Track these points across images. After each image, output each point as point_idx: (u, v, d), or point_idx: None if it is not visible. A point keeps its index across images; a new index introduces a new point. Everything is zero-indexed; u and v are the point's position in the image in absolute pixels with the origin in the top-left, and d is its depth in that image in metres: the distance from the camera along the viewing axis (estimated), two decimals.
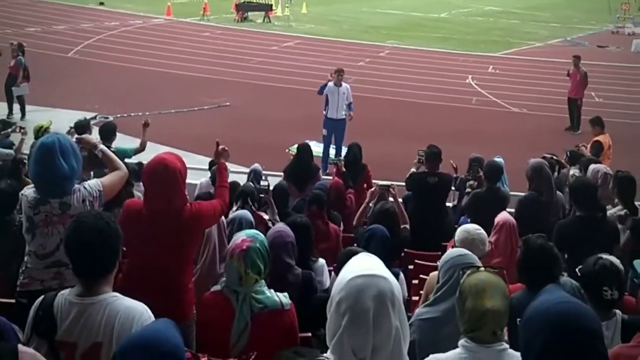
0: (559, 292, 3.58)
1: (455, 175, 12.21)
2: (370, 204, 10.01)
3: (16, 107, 22.04)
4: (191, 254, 6.30)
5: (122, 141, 12.74)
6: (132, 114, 22.34)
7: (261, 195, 9.62)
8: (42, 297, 4.28)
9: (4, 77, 22.18)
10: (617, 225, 8.62)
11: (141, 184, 6.61)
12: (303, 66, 30.43)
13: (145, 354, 3.33)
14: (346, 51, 36.03)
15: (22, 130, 13.08)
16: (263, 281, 5.29)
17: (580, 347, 3.15)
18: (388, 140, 20.46)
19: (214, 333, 5.25)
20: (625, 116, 24.39)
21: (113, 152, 6.96)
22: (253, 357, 4.84)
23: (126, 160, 10.16)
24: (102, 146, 6.46)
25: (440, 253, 7.90)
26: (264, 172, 11.47)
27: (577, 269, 5.76)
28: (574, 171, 11.53)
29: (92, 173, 7.67)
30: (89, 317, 4.10)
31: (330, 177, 12.85)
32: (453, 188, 12.17)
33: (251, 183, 10.17)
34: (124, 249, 5.08)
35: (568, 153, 12.73)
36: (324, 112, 18.49)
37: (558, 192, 10.33)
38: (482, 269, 4.20)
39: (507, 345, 3.98)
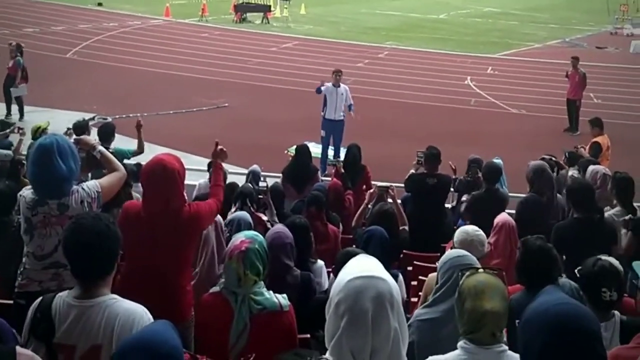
0: (557, 294, 3.58)
1: (454, 177, 12.21)
2: (369, 205, 10.00)
3: (14, 107, 22.03)
4: (189, 255, 6.29)
5: (121, 142, 12.72)
6: (131, 115, 22.26)
7: (260, 197, 9.62)
8: (40, 299, 4.26)
9: (2, 78, 22.17)
10: (615, 227, 8.61)
11: (140, 185, 6.60)
12: (302, 67, 30.43)
13: (144, 356, 3.32)
14: (345, 52, 36.02)
15: (20, 131, 13.07)
16: (262, 282, 5.29)
17: (579, 348, 3.14)
18: (387, 142, 20.45)
19: (213, 334, 5.24)
20: (624, 117, 24.39)
21: (111, 153, 6.95)
22: (252, 358, 4.83)
23: (124, 161, 10.16)
24: (100, 147, 6.45)
25: (439, 254, 7.90)
26: (262, 173, 11.46)
27: (576, 270, 5.76)
28: (572, 172, 11.53)
29: (89, 174, 7.65)
30: (88, 319, 4.09)
31: (329, 179, 12.84)
32: (452, 189, 12.17)
33: (250, 184, 10.17)
34: (122, 250, 5.06)
35: (567, 154, 12.72)
36: (322, 114, 18.45)
37: (557, 194, 10.34)
38: (481, 270, 4.20)
39: (506, 347, 3.98)
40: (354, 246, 7.88)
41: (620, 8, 51.25)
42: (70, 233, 4.25)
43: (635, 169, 11.62)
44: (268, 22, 45.89)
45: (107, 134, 12.04)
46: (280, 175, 12.92)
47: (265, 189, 10.01)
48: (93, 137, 10.39)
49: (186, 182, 6.39)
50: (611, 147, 15.22)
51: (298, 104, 23.36)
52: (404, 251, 9.52)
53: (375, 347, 3.20)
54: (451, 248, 6.70)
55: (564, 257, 7.26)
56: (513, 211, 9.93)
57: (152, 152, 7.44)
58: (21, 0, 47.11)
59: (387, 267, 3.70)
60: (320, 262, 7.66)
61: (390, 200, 9.98)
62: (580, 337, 3.15)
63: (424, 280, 7.22)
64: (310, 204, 9.44)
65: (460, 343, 4.04)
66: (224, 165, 7.11)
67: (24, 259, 5.90)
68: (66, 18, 42.71)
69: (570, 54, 26.34)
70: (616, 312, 5.51)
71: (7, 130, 13.61)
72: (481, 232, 6.95)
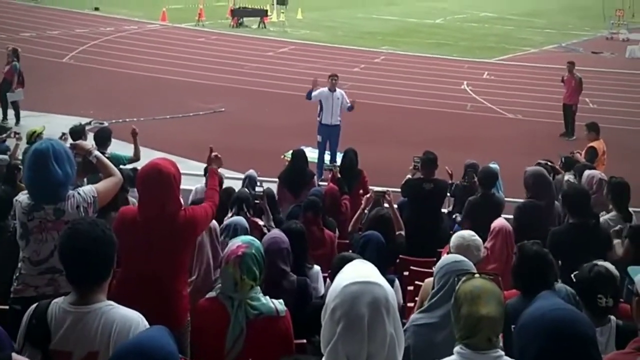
0: (553, 299, 3.59)
1: (450, 182, 12.22)
2: (366, 211, 10.01)
3: (11, 112, 22.00)
4: (185, 260, 6.29)
5: (117, 147, 12.71)
6: (127, 120, 22.31)
7: (256, 202, 9.62)
8: (36, 305, 4.25)
9: None
10: (610, 232, 8.61)
11: (136, 189, 6.60)
12: (298, 72, 30.42)
13: None
14: (341, 57, 36.04)
15: (17, 136, 13.07)
16: (258, 287, 5.28)
17: (575, 353, 3.15)
18: (383, 146, 20.45)
19: (209, 339, 5.24)
20: (620, 122, 24.41)
21: (107, 158, 6.94)
22: None
23: (120, 166, 10.15)
24: (96, 152, 6.44)
25: (435, 259, 7.90)
26: (258, 178, 11.46)
27: (572, 275, 5.76)
28: (568, 177, 11.54)
29: (85, 180, 7.65)
30: (85, 325, 4.08)
31: (326, 183, 12.84)
32: (448, 194, 12.18)
33: (246, 189, 10.17)
34: (118, 256, 5.06)
35: (563, 159, 12.75)
36: (318, 119, 18.40)
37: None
38: (477, 275, 4.20)
39: (503, 352, 3.98)
40: (350, 251, 7.89)
41: (616, 13, 51.30)
42: (66, 239, 4.24)
43: (631, 174, 11.64)
44: (265, 27, 45.92)
45: (103, 138, 12.03)
46: (277, 180, 12.92)
47: (261, 193, 10.01)
48: (90, 141, 10.39)
49: (183, 186, 6.40)
50: (607, 152, 15.24)
51: (295, 108, 23.33)
52: (401, 256, 9.53)
53: (371, 352, 3.20)
54: (447, 253, 6.71)
55: (560, 262, 7.27)
56: (510, 216, 9.93)
57: (148, 156, 7.44)
58: (18, 4, 47.12)
59: (383, 272, 3.70)
60: (317, 267, 7.66)
61: (386, 205, 9.98)
62: (575, 343, 3.16)
63: (421, 285, 7.22)
64: (307, 209, 9.44)
65: (457, 348, 4.04)
66: (220, 170, 7.11)
67: (19, 264, 5.89)
68: (63, 23, 42.73)
69: (566, 59, 26.33)
70: (612, 317, 5.52)
71: (4, 135, 13.61)
72: (477, 237, 6.97)
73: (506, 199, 11.50)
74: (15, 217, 6.02)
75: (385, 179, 13.37)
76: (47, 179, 5.71)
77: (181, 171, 6.24)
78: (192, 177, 12.20)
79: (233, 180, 12.52)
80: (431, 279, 5.53)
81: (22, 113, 22.00)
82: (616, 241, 8.46)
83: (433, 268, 5.40)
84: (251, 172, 11.38)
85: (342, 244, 9.89)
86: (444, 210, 12.30)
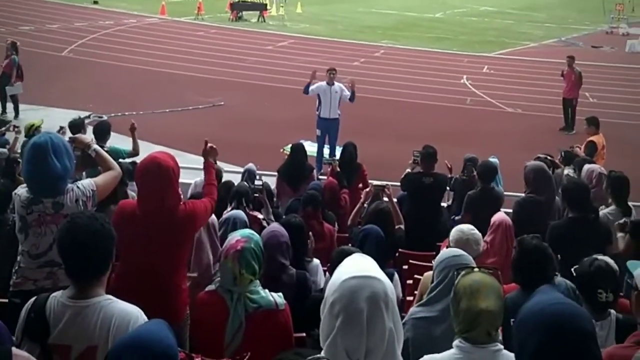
0: (553, 293, 3.57)
1: (450, 176, 12.22)
2: (365, 205, 10.00)
3: (10, 106, 21.99)
4: (185, 254, 6.29)
5: (116, 141, 12.69)
6: (127, 113, 22.31)
7: (255, 195, 9.62)
8: (34, 299, 4.25)
9: None
10: (609, 227, 8.61)
11: (135, 183, 6.60)
12: (298, 66, 30.36)
13: (139, 355, 3.32)
14: (341, 51, 36.01)
15: (16, 129, 13.06)
16: (258, 281, 5.28)
17: (574, 348, 3.14)
18: (383, 140, 20.45)
19: (208, 333, 5.24)
20: (620, 116, 24.40)
21: (106, 151, 6.93)
22: (247, 357, 4.82)
23: (119, 160, 10.14)
24: (95, 146, 6.44)
25: (434, 253, 7.90)
26: (258, 172, 11.46)
27: (572, 269, 5.76)
28: (568, 171, 11.53)
29: (84, 173, 7.64)
30: (84, 319, 4.08)
31: (325, 177, 12.84)
32: (448, 188, 12.17)
33: (245, 183, 10.16)
34: (117, 250, 5.05)
35: (562, 153, 12.74)
36: (317, 112, 18.37)
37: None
38: (477, 269, 4.20)
39: (502, 346, 3.98)
40: (349, 245, 7.88)
41: (615, 7, 51.27)
42: (65, 233, 4.24)
43: (631, 168, 11.65)
44: (264, 21, 45.90)
45: (102, 132, 12.01)
46: (276, 173, 12.92)
47: (261, 187, 10.01)
48: (89, 135, 10.38)
49: (182, 180, 6.40)
50: (606, 146, 15.23)
51: (294, 102, 23.29)
52: (400, 250, 9.53)
53: (370, 346, 3.20)
54: (447, 247, 6.71)
55: (559, 256, 7.26)
56: (509, 210, 9.93)
57: (147, 150, 7.43)
58: None
59: (382, 266, 3.70)
60: (316, 261, 7.66)
61: (386, 199, 9.97)
62: (575, 337, 3.15)
63: (420, 279, 7.22)
64: (306, 204, 9.44)
65: (456, 342, 4.04)
66: (219, 163, 7.11)
67: (18, 258, 5.88)
68: (62, 16, 42.68)
69: (566, 53, 26.30)
70: (612, 311, 5.52)
71: (3, 129, 13.59)
72: (476, 231, 6.97)
73: (505, 193, 11.50)
74: (14, 211, 6.01)
75: (385, 173, 13.37)
76: (46, 172, 5.71)
77: (180, 165, 6.23)
78: (191, 171, 12.18)
79: (232, 173, 12.50)
80: (430, 272, 5.53)
81: (21, 106, 21.98)
82: (619, 235, 8.45)
83: (432, 262, 5.40)
84: (250, 165, 11.38)
85: (342, 238, 9.89)
86: (444, 204, 12.31)
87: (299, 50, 36.25)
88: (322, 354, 3.26)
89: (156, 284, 5.78)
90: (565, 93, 23.61)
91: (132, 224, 5.87)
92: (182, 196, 6.34)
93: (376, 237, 7.47)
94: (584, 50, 38.98)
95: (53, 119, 16.03)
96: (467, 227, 7.01)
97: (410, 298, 7.43)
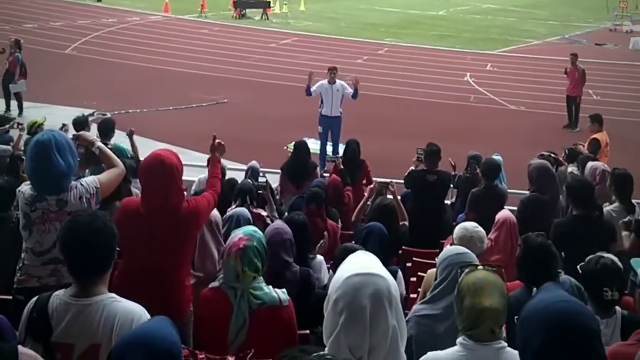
0: (557, 291, 3.57)
1: (453, 173, 12.22)
2: (368, 202, 10.01)
3: (13, 103, 22.01)
4: (188, 251, 6.28)
5: (121, 138, 12.71)
6: (130, 111, 22.35)
7: (259, 192, 9.62)
8: (36, 298, 4.26)
9: (1, 74, 22.16)
10: (613, 224, 8.60)
11: (138, 180, 6.60)
12: (301, 63, 30.33)
13: (143, 352, 3.32)
14: (344, 49, 35.99)
15: (19, 127, 13.09)
16: (261, 277, 5.29)
17: (578, 346, 3.14)
18: (386, 138, 20.44)
19: (212, 330, 5.25)
20: (623, 114, 24.35)
21: (110, 149, 6.94)
22: (250, 354, 4.82)
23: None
24: (99, 143, 6.44)
25: (438, 250, 7.90)
26: (261, 169, 11.47)
27: (578, 267, 5.76)
28: (571, 169, 11.53)
29: (87, 171, 7.65)
30: (87, 318, 4.09)
31: (328, 175, 12.85)
32: (451, 186, 12.18)
33: (249, 180, 10.17)
34: (120, 247, 5.05)
35: (566, 151, 12.74)
36: (319, 110, 18.38)
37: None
38: (481, 267, 4.20)
39: (505, 344, 3.98)
40: (353, 242, 7.89)
41: (619, 5, 51.23)
42: (67, 231, 4.25)
43: (634, 165, 11.61)
44: (267, 18, 45.83)
45: (107, 129, 12.06)
46: (279, 171, 12.94)
47: (264, 184, 10.02)
48: (93, 133, 10.39)
49: (185, 177, 6.39)
50: (610, 144, 15.22)
51: (297, 100, 23.25)
52: (404, 247, 9.53)
53: (373, 344, 3.20)
54: (450, 244, 6.71)
55: (563, 254, 7.26)
56: (513, 207, 9.93)
57: (151, 148, 7.43)
58: None
59: (386, 264, 3.70)
60: (320, 258, 7.68)
61: (390, 196, 9.97)
62: (579, 335, 3.15)
63: (423, 277, 7.22)
64: (310, 201, 9.44)
65: (459, 339, 4.04)
66: (222, 160, 7.10)
67: (22, 255, 5.89)
68: (65, 14, 42.67)
69: (569, 51, 26.31)
70: (617, 308, 5.53)
71: (7, 126, 13.62)
72: (480, 228, 6.97)
73: (509, 190, 11.50)
74: (18, 208, 6.02)
75: (388, 171, 13.38)
76: (50, 169, 5.71)
77: (184, 162, 6.22)
78: (194, 168, 12.21)
79: (235, 171, 12.53)
80: (434, 269, 5.53)
81: (25, 104, 22.00)
82: (624, 233, 8.45)
83: (436, 259, 5.40)
84: (253, 163, 11.39)
85: (345, 235, 9.90)
86: (447, 202, 12.32)
87: (302, 47, 36.23)
88: (326, 350, 3.26)
89: (159, 281, 5.78)
90: (568, 90, 23.58)
91: (136, 221, 5.87)
92: (185, 193, 6.34)
93: (379, 234, 7.46)
94: (588, 47, 38.92)
95: (56, 117, 16.02)
96: (471, 225, 7.01)
97: (414, 295, 7.44)
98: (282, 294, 5.28)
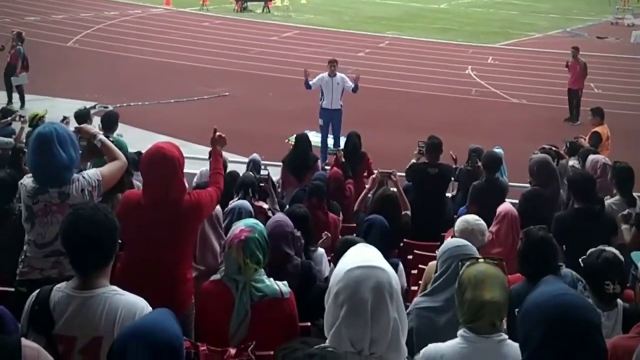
0: (557, 284, 3.58)
1: (454, 166, 12.22)
2: (370, 194, 10.01)
3: (15, 96, 22.03)
4: (190, 244, 6.28)
5: (122, 131, 12.73)
6: (132, 104, 22.35)
7: (261, 185, 9.62)
8: (37, 291, 4.26)
9: (3, 67, 22.17)
10: (615, 218, 8.60)
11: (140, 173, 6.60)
12: (302, 56, 30.35)
13: (144, 344, 3.33)
14: (346, 42, 35.95)
15: (22, 119, 13.11)
16: (262, 270, 5.30)
17: (579, 339, 3.15)
18: (387, 131, 20.44)
19: (214, 322, 5.26)
20: (625, 107, 24.35)
21: (112, 142, 6.94)
22: (252, 346, 4.84)
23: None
24: (101, 136, 6.44)
25: (439, 243, 7.91)
26: (263, 162, 11.47)
27: (580, 260, 5.77)
28: (573, 162, 11.54)
29: (89, 163, 7.66)
30: (89, 310, 4.10)
31: (329, 168, 12.85)
32: (453, 179, 12.18)
33: (251, 173, 10.16)
34: (122, 240, 5.06)
35: (567, 144, 12.73)
36: (320, 103, 18.38)
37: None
38: (482, 260, 4.21)
39: (506, 336, 3.99)
40: (354, 234, 7.89)
41: None
42: (68, 224, 4.25)
43: (636, 159, 11.61)
44: (269, 11, 45.81)
45: (110, 122, 12.07)
46: (281, 164, 12.94)
47: (266, 176, 10.02)
48: (95, 125, 10.39)
49: (187, 170, 6.39)
50: (611, 137, 15.20)
51: (299, 93, 23.23)
52: (405, 240, 9.53)
53: (374, 336, 3.21)
54: (452, 237, 6.71)
55: (564, 247, 7.27)
56: (515, 200, 9.93)
57: (152, 140, 7.43)
58: None
59: (387, 256, 3.70)
60: (321, 250, 7.69)
61: (393, 188, 9.96)
62: (580, 328, 3.16)
63: (424, 269, 7.23)
64: (311, 194, 9.45)
65: (460, 331, 4.06)
66: (224, 153, 7.10)
67: (25, 247, 5.90)
68: (67, 7, 42.62)
69: (571, 44, 26.29)
70: (619, 301, 5.54)
71: (9, 118, 13.63)
72: (482, 221, 6.97)
73: (510, 183, 11.50)
74: (21, 200, 6.03)
75: (390, 164, 13.28)
76: (51, 162, 5.72)
77: (185, 155, 6.22)
78: (196, 161, 12.21)
79: (237, 164, 12.53)
80: (434, 262, 5.54)
81: (27, 97, 22.04)
82: (624, 227, 8.46)
83: (436, 252, 5.41)
84: (255, 156, 11.40)
85: (346, 228, 9.91)
86: (448, 195, 12.32)
87: (304, 41, 36.21)
88: (327, 343, 3.27)
89: (161, 273, 5.78)
90: (570, 84, 23.57)
91: (137, 214, 5.87)
92: (187, 186, 6.34)
93: (380, 227, 7.46)
94: (589, 41, 38.86)
95: (58, 109, 16.04)
96: (472, 218, 7.02)
97: (415, 288, 7.43)
98: (283, 286, 5.29)
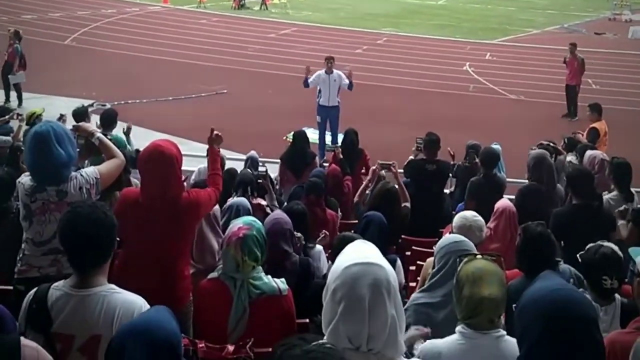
0: (554, 279, 3.58)
1: (452, 162, 12.23)
2: (368, 191, 10.01)
3: (13, 94, 22.00)
4: (188, 241, 6.28)
5: (120, 129, 12.71)
6: (130, 102, 22.33)
7: (259, 181, 9.62)
8: (35, 290, 4.26)
9: (1, 65, 22.15)
10: (613, 214, 8.61)
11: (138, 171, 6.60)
12: (300, 54, 30.34)
13: (143, 342, 3.34)
14: (344, 39, 35.93)
15: (19, 117, 13.08)
16: (260, 267, 5.30)
17: (577, 334, 3.15)
18: (385, 128, 20.43)
19: (212, 319, 5.27)
20: (622, 103, 24.28)
21: (110, 140, 6.93)
22: (250, 343, 4.84)
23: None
24: (98, 134, 6.44)
25: (437, 239, 7.91)
26: (260, 159, 11.47)
27: (578, 255, 5.77)
28: (570, 158, 11.54)
29: (87, 162, 7.66)
30: (87, 309, 4.10)
31: (327, 164, 12.86)
32: (450, 175, 12.18)
33: (249, 170, 10.16)
34: (120, 238, 5.06)
35: (565, 140, 12.75)
36: (317, 100, 18.38)
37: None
38: (479, 256, 4.21)
39: (504, 332, 4.00)
40: (352, 231, 7.89)
41: None
42: (66, 222, 4.25)
43: (633, 154, 11.63)
44: (267, 9, 45.80)
45: (109, 120, 12.05)
46: (278, 161, 12.95)
47: (264, 173, 10.02)
48: (94, 123, 10.38)
49: (185, 167, 6.39)
50: (609, 133, 15.22)
51: (296, 90, 23.20)
52: (403, 236, 9.54)
53: (371, 333, 3.20)
54: (450, 233, 6.72)
55: (562, 243, 7.28)
56: (512, 196, 9.94)
57: (150, 138, 7.43)
58: None
59: (385, 253, 3.70)
60: (319, 247, 7.70)
61: (393, 182, 9.96)
62: (577, 323, 3.16)
63: (422, 265, 7.24)
64: (309, 192, 9.47)
65: (458, 328, 4.06)
66: (222, 150, 7.10)
67: (23, 245, 5.90)
68: (64, 5, 42.53)
69: (568, 40, 26.33)
70: (617, 296, 5.54)
71: (7, 117, 13.61)
72: (479, 217, 6.98)
73: (508, 179, 11.52)
74: (18, 199, 6.03)
75: (387, 160, 13.37)
76: (49, 160, 5.72)
77: (183, 152, 6.23)
78: (194, 159, 12.20)
79: (235, 161, 12.53)
80: (432, 258, 5.54)
81: (24, 95, 22.00)
82: (620, 222, 8.46)
83: (434, 248, 5.41)
84: (253, 153, 11.40)
85: (344, 225, 9.92)
86: (446, 191, 12.33)
87: (302, 38, 36.18)
88: (325, 339, 3.27)
89: (159, 271, 5.79)
90: (568, 80, 23.58)
91: (135, 211, 5.88)
92: (185, 184, 6.34)
93: (379, 223, 7.47)
94: (587, 36, 38.87)
95: (56, 108, 16.01)
96: (470, 214, 7.03)
97: (413, 284, 7.45)
98: (281, 283, 5.30)
